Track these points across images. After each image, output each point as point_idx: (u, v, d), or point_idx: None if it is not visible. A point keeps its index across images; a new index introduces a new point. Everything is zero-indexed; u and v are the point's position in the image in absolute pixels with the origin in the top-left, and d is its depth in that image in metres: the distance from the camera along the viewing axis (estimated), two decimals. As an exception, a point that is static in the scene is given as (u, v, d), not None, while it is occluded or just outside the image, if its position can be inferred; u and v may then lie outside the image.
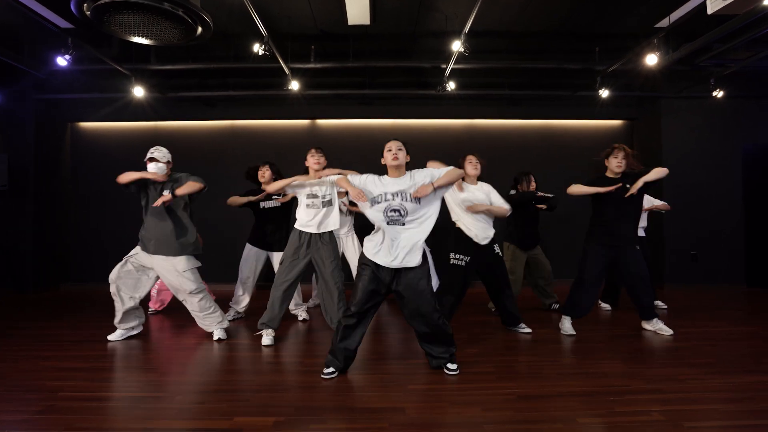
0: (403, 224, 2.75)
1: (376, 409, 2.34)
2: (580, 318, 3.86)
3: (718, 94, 5.85)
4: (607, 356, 3.24)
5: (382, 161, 2.91)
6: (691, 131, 6.48)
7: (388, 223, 2.76)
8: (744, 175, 6.46)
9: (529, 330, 3.91)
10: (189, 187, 3.53)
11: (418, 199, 2.75)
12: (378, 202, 2.78)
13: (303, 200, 3.68)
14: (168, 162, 3.64)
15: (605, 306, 4.96)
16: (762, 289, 6.15)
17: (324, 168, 3.69)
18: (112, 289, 3.63)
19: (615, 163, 3.70)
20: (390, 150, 2.86)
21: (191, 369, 3.06)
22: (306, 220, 3.65)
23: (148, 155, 3.57)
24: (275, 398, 2.50)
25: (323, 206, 3.66)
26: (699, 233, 6.40)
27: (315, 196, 3.66)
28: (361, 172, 3.04)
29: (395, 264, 2.74)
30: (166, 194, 3.48)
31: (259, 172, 4.33)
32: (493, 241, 3.82)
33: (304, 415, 2.26)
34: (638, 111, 6.81)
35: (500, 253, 3.90)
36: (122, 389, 2.66)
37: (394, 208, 2.75)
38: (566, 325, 3.86)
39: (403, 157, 2.85)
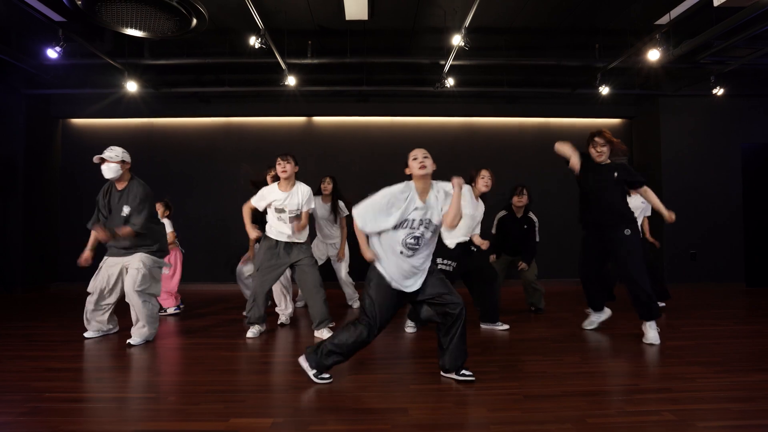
0: (420, 254, 2.54)
1: (377, 410, 2.25)
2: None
3: (719, 91, 5.81)
4: (610, 355, 3.17)
5: (407, 171, 2.59)
6: (689, 130, 6.45)
7: (401, 252, 2.51)
8: (743, 173, 6.44)
9: (506, 326, 3.93)
10: (123, 231, 3.42)
11: (434, 226, 2.56)
12: (408, 224, 2.51)
13: (272, 212, 3.67)
14: (122, 161, 3.46)
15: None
16: (761, 288, 6.11)
17: (291, 175, 3.67)
18: (90, 298, 3.55)
19: (595, 154, 3.60)
20: (416, 159, 2.54)
21: (184, 369, 2.96)
22: (276, 229, 3.67)
23: (97, 156, 3.41)
24: (272, 399, 2.41)
25: (290, 221, 3.63)
26: (698, 232, 6.37)
27: (282, 211, 3.63)
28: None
29: (415, 288, 2.59)
30: (104, 233, 3.41)
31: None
32: (473, 245, 3.89)
33: (302, 416, 2.17)
34: (637, 109, 6.79)
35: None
36: (112, 390, 2.55)
37: (415, 236, 2.51)
38: (591, 318, 3.93)
39: (430, 165, 2.55)
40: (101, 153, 3.44)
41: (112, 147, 3.46)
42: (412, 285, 2.57)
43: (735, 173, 6.44)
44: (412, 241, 2.49)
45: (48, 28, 4.70)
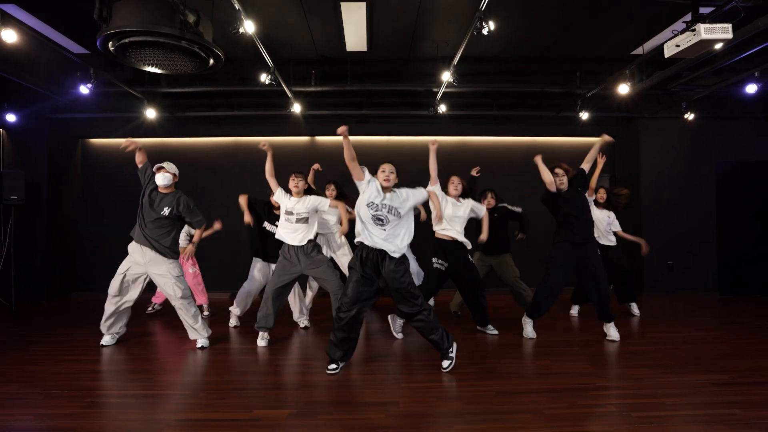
0: (384, 230, 3.27)
1: (374, 403, 2.75)
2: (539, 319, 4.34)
3: (690, 116, 6.32)
4: (577, 359, 3.65)
5: (376, 176, 3.43)
6: (667, 149, 6.94)
7: (373, 223, 3.28)
8: (717, 190, 6.92)
9: (496, 332, 4.42)
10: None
11: (399, 214, 3.30)
12: (373, 206, 3.30)
13: (282, 215, 4.15)
14: (174, 174, 4.10)
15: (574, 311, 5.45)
16: (733, 297, 6.58)
17: (302, 190, 4.24)
18: (111, 301, 4.01)
19: (558, 183, 4.31)
20: (384, 171, 3.38)
21: (209, 370, 3.45)
22: (285, 234, 4.14)
23: (158, 165, 4.06)
24: (287, 394, 2.91)
25: (297, 222, 4.12)
26: (675, 244, 6.84)
27: (290, 213, 4.12)
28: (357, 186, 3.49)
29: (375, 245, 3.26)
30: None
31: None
32: (468, 251, 4.37)
33: (313, 408, 2.66)
34: (618, 130, 7.27)
35: (472, 261, 4.45)
36: (151, 388, 3.04)
37: (379, 217, 3.27)
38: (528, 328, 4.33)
39: (393, 179, 3.36)
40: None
41: (168, 162, 4.10)
42: (386, 246, 3.26)
43: (710, 189, 6.92)
44: (377, 219, 3.28)
45: (73, 59, 5.17)
